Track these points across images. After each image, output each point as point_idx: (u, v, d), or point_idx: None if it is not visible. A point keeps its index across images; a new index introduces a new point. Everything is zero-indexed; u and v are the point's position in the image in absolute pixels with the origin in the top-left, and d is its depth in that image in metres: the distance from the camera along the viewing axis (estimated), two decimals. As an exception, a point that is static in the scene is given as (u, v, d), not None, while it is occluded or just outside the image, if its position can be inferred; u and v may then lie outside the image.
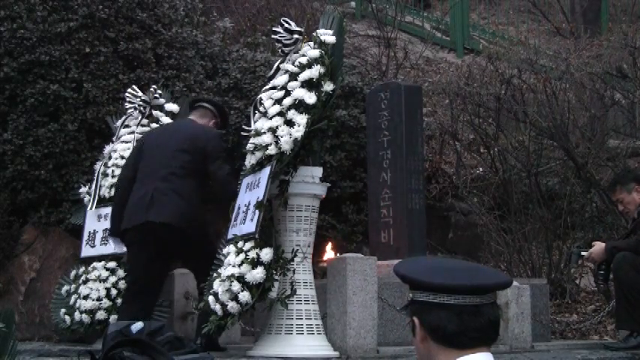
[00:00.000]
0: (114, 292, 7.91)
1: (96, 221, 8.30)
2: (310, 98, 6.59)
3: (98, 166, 8.55)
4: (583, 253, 7.92)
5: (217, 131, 7.49)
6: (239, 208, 6.86)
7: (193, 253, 7.18)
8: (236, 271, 6.43)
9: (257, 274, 6.33)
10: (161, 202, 7.01)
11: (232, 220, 6.92)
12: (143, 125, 8.48)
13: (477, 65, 11.71)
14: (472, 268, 2.60)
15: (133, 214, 7.14)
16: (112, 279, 7.96)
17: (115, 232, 7.40)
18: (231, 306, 6.41)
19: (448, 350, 2.52)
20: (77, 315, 8.07)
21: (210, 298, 6.64)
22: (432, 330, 2.53)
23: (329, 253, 9.01)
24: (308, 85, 6.67)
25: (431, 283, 2.53)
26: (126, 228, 7.19)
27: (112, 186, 8.21)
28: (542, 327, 8.32)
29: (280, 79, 6.94)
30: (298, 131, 6.49)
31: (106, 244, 8.13)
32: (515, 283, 7.63)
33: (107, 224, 7.90)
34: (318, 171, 6.79)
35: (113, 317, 7.69)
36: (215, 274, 6.76)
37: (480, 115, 10.83)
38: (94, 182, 8.44)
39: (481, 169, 11.14)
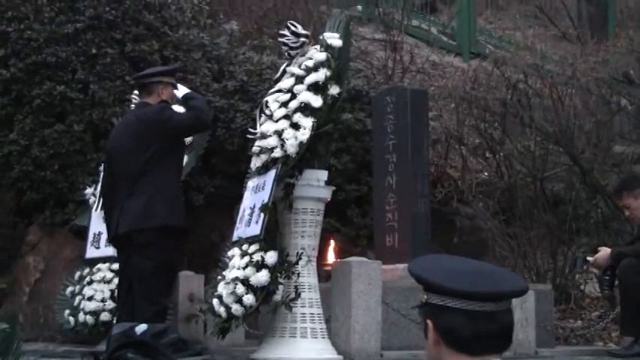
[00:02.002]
0: (118, 293, 7.91)
1: (101, 223, 8.28)
2: (316, 101, 6.59)
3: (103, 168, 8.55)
4: (588, 259, 7.90)
5: (157, 107, 7.06)
6: (244, 210, 6.86)
7: (138, 269, 6.84)
8: (240, 273, 6.43)
9: (261, 276, 6.33)
10: (126, 210, 6.88)
11: (237, 222, 6.92)
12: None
13: (483, 70, 11.68)
14: (489, 272, 2.56)
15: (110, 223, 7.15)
16: (117, 280, 7.94)
17: (108, 238, 7.42)
18: (236, 308, 6.41)
19: (460, 355, 2.49)
20: (81, 316, 8.08)
21: (215, 301, 6.63)
22: (445, 334, 2.50)
23: (334, 257, 9.01)
24: (314, 88, 6.67)
25: (447, 287, 2.49)
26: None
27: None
28: (546, 333, 8.29)
29: (286, 82, 6.94)
30: (304, 134, 6.49)
31: (110, 245, 8.13)
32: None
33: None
34: (324, 174, 6.79)
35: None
36: (219, 277, 6.76)
37: (486, 120, 10.82)
38: (99, 183, 8.44)
39: (486, 174, 11.12)
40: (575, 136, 10.17)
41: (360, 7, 16.48)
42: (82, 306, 8.13)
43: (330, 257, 9.02)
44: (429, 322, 2.53)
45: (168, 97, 7.21)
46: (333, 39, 6.86)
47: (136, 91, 8.46)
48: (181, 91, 7.25)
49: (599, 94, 10.50)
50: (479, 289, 2.48)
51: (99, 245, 8.36)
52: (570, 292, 9.85)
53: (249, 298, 6.35)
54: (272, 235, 6.53)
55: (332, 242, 9.34)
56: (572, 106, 10.34)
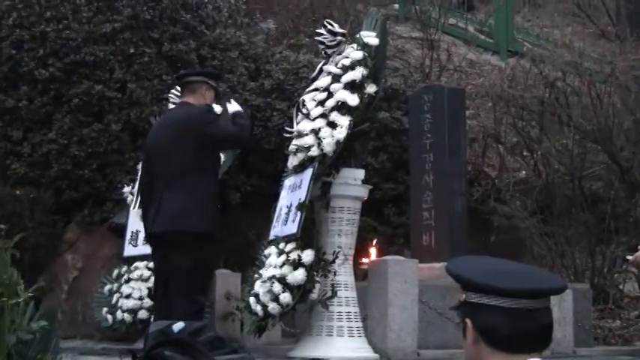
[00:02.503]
0: (156, 291, 7.93)
1: (139, 221, 8.32)
2: (353, 100, 6.59)
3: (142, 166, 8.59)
4: (628, 257, 7.82)
5: (202, 108, 6.88)
6: (281, 209, 6.86)
7: (175, 268, 6.69)
8: (277, 272, 6.43)
9: (298, 275, 6.33)
10: (163, 210, 6.71)
11: (274, 221, 6.93)
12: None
13: (521, 68, 11.63)
14: (527, 271, 2.56)
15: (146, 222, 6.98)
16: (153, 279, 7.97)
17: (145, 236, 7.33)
18: (272, 307, 6.42)
19: (499, 354, 2.48)
20: (119, 314, 8.12)
21: (252, 299, 6.65)
22: (484, 332, 2.49)
23: (370, 256, 8.99)
24: (351, 86, 6.67)
25: (487, 285, 2.49)
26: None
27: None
28: (584, 332, 8.24)
29: (323, 81, 6.94)
30: (341, 133, 6.48)
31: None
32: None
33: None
34: (360, 173, 6.78)
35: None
36: (256, 275, 6.77)
37: (524, 118, 10.77)
38: (137, 182, 8.48)
39: (524, 173, 11.07)
40: (614, 134, 10.09)
41: (396, 6, 16.47)
42: (119, 304, 8.17)
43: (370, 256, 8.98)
44: (468, 321, 2.52)
45: (210, 101, 7.12)
46: (370, 37, 6.86)
47: (174, 90, 8.51)
48: (233, 106, 7.20)
49: (639, 92, 10.41)
50: (518, 286, 2.48)
51: (137, 243, 8.40)
52: (609, 292, 9.78)
53: (285, 297, 6.35)
54: (309, 234, 6.53)
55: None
56: (610, 104, 10.27)
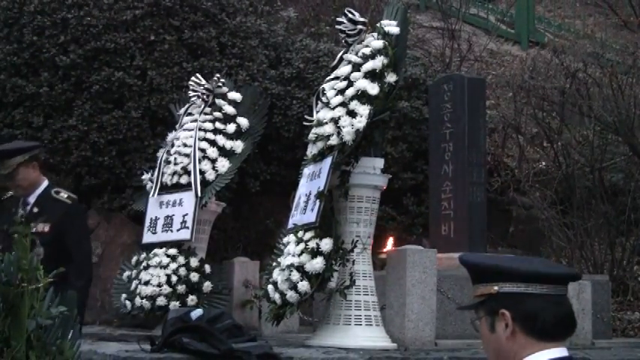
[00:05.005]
0: (174, 278, 7.95)
1: (158, 208, 8.36)
2: (373, 89, 6.58)
3: (161, 154, 8.61)
4: None
5: None
6: (299, 197, 6.87)
7: None
8: (296, 260, 6.44)
9: (316, 263, 6.34)
10: None
11: (293, 209, 6.94)
12: (206, 113, 8.53)
13: (542, 58, 11.59)
14: (541, 260, 2.60)
15: None
16: (173, 265, 8.00)
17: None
18: (290, 295, 6.43)
19: (536, 343, 2.49)
20: (138, 300, 8.14)
21: (270, 287, 6.66)
22: (526, 321, 2.49)
23: (389, 245, 8.99)
24: (371, 75, 6.66)
25: (530, 272, 2.51)
26: None
27: (174, 173, 8.29)
28: (603, 324, 8.22)
29: (343, 70, 6.94)
30: (360, 122, 6.48)
31: (167, 230, 8.18)
32: (576, 278, 7.56)
33: (169, 211, 8.01)
34: (380, 162, 6.78)
35: (173, 303, 7.74)
36: (275, 263, 6.78)
37: (544, 109, 10.73)
38: (157, 169, 8.50)
39: (544, 164, 11.03)
40: (635, 125, 10.04)
41: (417, -5, 16.40)
42: (138, 290, 8.19)
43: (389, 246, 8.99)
44: (505, 312, 2.51)
45: None
46: (391, 26, 6.84)
47: (194, 78, 8.56)
48: None
49: (660, 84, 10.37)
50: (557, 271, 2.51)
51: (155, 230, 8.41)
52: (628, 284, 9.75)
53: (303, 285, 6.36)
54: (327, 223, 6.54)
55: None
56: (632, 95, 10.22)
